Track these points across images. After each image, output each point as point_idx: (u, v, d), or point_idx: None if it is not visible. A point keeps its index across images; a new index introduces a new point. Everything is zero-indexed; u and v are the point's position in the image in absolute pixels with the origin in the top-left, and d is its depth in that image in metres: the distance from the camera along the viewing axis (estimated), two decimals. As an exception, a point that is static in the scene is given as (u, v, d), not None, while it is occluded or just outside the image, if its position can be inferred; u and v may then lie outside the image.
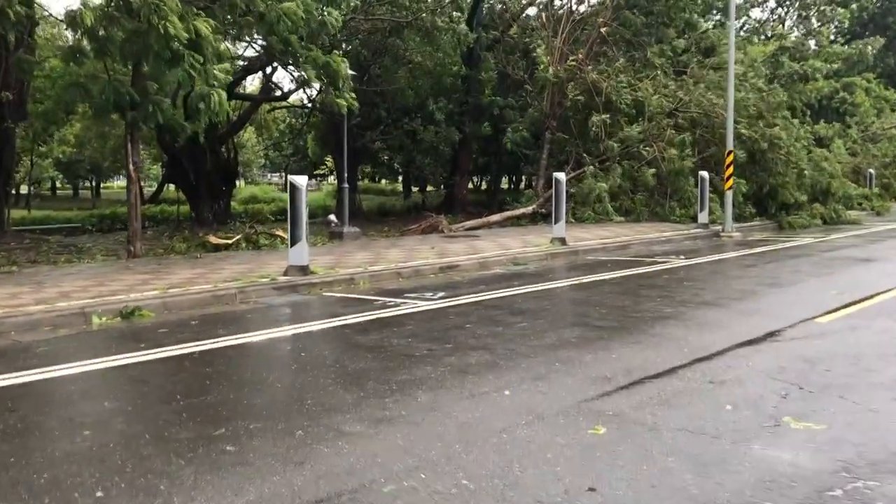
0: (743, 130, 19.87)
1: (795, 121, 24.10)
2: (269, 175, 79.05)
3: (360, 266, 11.42)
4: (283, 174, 74.40)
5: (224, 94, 13.28)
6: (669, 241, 16.37)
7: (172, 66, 13.01)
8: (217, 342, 6.73)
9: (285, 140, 39.26)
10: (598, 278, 10.50)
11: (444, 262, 12.10)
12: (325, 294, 9.70)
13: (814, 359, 5.77)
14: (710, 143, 21.92)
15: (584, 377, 5.32)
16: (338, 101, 16.43)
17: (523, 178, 50.61)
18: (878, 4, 48.25)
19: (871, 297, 8.52)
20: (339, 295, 9.60)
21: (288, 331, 7.21)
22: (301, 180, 10.40)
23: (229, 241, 15.79)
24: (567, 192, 22.23)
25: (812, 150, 22.93)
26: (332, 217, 17.96)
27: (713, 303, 8.32)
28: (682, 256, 13.24)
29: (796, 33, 42.77)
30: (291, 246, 10.44)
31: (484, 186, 50.40)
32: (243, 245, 15.27)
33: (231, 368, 5.82)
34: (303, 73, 16.41)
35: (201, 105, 13.16)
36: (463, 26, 24.62)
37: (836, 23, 41.99)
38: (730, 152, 17.96)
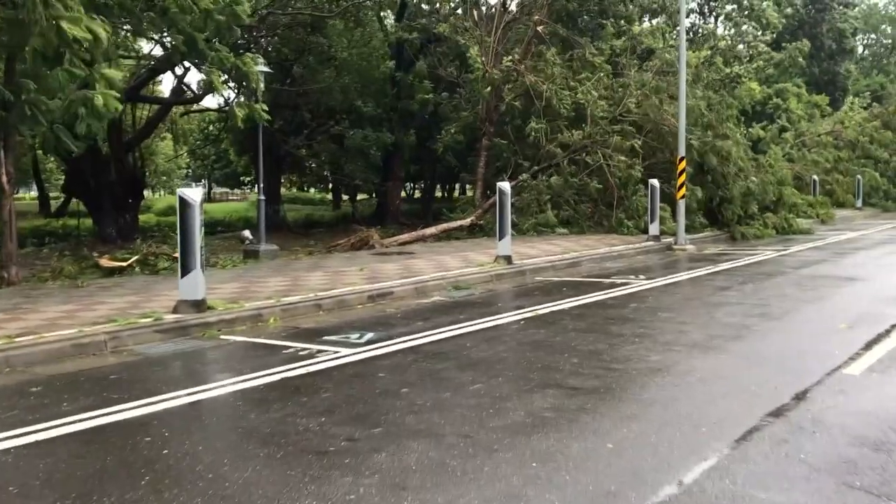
0: (693, 142, 18.59)
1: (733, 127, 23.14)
2: (193, 184, 75.63)
3: (272, 297, 9.49)
4: (207, 183, 71.14)
5: (112, 97, 11.14)
6: (621, 255, 14.90)
7: (53, 64, 10.90)
8: (49, 429, 4.75)
9: (202, 147, 36.64)
10: (555, 308, 8.84)
11: (374, 288, 10.27)
12: (222, 338, 7.76)
13: (883, 442, 4.18)
14: (655, 150, 20.69)
15: (577, 493, 3.59)
16: (244, 110, 14.40)
17: (457, 186, 49.21)
18: (807, 13, 48.56)
19: (889, 332, 7.07)
20: (240, 339, 7.67)
21: (156, 405, 5.27)
22: (193, 194, 8.42)
23: (123, 264, 13.61)
24: (507, 202, 20.79)
25: (759, 157, 21.93)
26: (247, 233, 15.92)
27: (706, 345, 6.73)
28: (643, 276, 11.73)
29: (727, 41, 42.45)
30: (182, 276, 8.45)
31: (417, 195, 48.69)
32: (137, 269, 13.11)
33: (47, 488, 3.88)
34: (208, 76, 14.36)
35: (82, 110, 11.01)
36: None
37: (767, 26, 41.78)
38: (681, 159, 16.66)
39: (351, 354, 6.63)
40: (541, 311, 8.60)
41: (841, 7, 49.97)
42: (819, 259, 13.61)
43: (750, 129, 31.61)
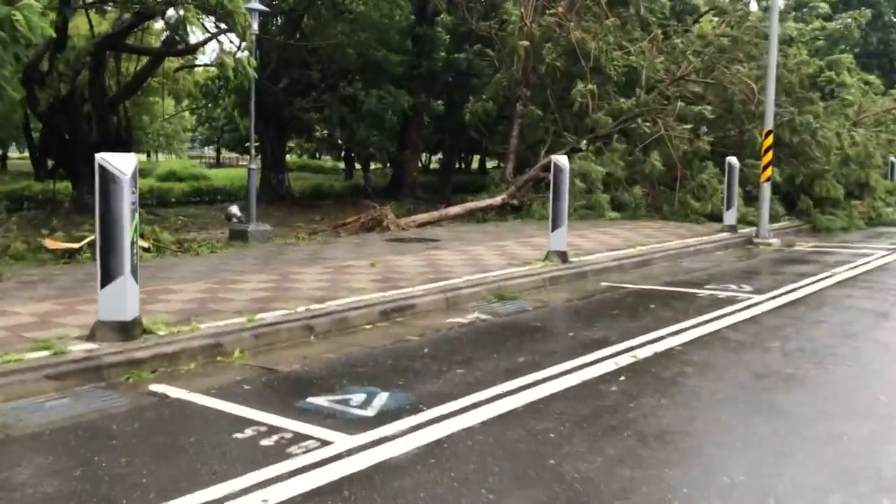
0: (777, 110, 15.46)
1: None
2: (205, 149, 72.66)
3: (245, 311, 6.60)
4: (217, 147, 68.10)
5: (37, 11, 8.21)
6: (698, 251, 11.97)
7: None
8: None
9: (201, 107, 33.62)
10: (659, 345, 5.92)
11: (388, 298, 7.39)
12: (152, 389, 4.92)
13: None
14: (723, 121, 17.64)
15: None
16: (230, 64, 11.53)
17: (476, 158, 46.05)
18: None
19: None
20: (176, 394, 4.81)
21: None
22: (121, 162, 5.53)
23: (74, 246, 10.79)
24: (543, 179, 17.81)
25: (842, 132, 18.74)
26: (234, 209, 13.00)
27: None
28: (746, 286, 8.80)
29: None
30: (103, 285, 5.58)
31: (433, 166, 45.62)
32: (88, 254, 10.27)
33: None
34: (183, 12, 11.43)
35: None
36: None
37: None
38: (768, 133, 13.62)
39: (349, 452, 3.76)
40: (641, 353, 5.69)
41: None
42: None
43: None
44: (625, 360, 5.50)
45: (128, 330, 5.58)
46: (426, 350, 5.88)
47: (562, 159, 9.75)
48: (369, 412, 4.38)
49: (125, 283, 5.54)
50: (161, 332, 5.81)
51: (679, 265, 10.76)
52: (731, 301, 7.85)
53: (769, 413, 4.39)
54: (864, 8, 40.06)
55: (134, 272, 5.62)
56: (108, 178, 5.49)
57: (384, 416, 4.30)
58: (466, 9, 22.74)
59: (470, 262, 9.72)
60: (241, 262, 9.68)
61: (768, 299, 7.93)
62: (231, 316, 6.44)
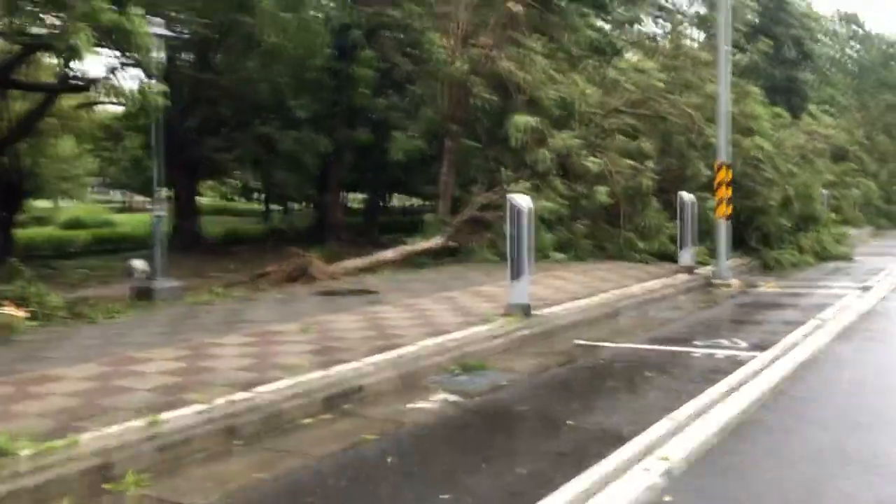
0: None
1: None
2: (113, 192, 68.98)
3: (144, 407, 5.00)
4: (124, 192, 64.51)
5: None
6: (663, 297, 10.93)
7: None
8: None
9: (105, 148, 31.29)
10: (687, 440, 4.65)
11: (332, 379, 5.90)
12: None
13: None
14: (664, 155, 16.96)
15: None
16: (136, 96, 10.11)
17: (394, 196, 44.74)
18: (766, 11, 46.15)
19: None
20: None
21: None
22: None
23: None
24: (482, 219, 16.67)
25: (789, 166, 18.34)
26: (138, 263, 11.15)
27: None
28: (738, 340, 7.72)
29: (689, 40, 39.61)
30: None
31: (355, 205, 44.12)
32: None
33: None
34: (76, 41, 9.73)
35: None
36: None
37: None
38: (722, 166, 12.84)
39: None
40: (672, 452, 4.39)
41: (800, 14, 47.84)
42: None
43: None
44: (656, 465, 4.20)
45: (-30, 457, 3.96)
46: (390, 459, 4.44)
47: (522, 199, 8.51)
48: None
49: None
50: (24, 453, 4.18)
51: (648, 315, 9.67)
52: (735, 362, 6.70)
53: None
54: (765, 38, 41.05)
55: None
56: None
57: None
58: (387, 45, 21.65)
59: (419, 321, 8.32)
60: (144, 331, 8.00)
61: (774, 359, 6.82)
62: (127, 416, 4.84)
